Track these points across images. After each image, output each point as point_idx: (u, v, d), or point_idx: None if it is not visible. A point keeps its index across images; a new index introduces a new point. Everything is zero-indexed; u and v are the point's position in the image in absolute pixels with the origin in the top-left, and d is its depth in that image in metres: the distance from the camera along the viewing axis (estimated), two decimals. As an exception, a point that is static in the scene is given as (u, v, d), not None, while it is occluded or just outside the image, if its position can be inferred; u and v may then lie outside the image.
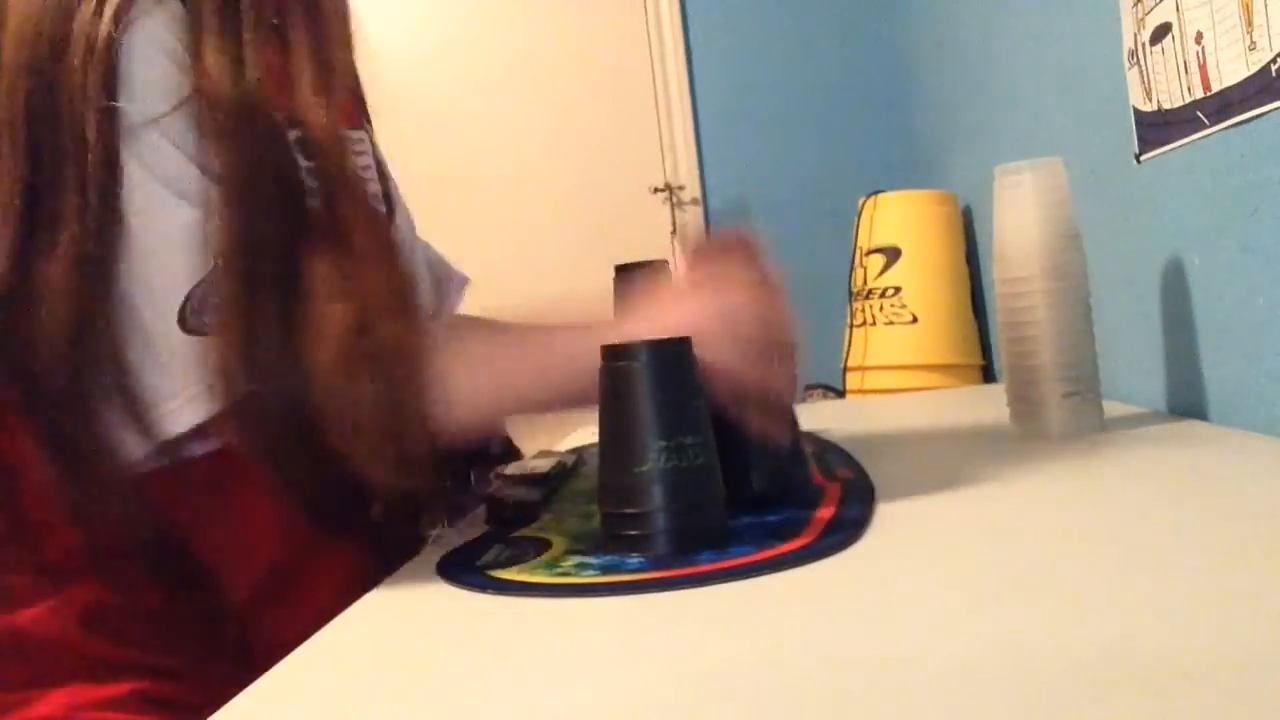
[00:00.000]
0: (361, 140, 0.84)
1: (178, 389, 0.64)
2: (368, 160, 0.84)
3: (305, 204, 0.67)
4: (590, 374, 0.64)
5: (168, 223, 0.64)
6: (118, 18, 0.62)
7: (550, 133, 2.92)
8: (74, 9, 0.62)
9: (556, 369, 0.74)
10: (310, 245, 0.66)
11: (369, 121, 0.90)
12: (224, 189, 0.64)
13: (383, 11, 2.92)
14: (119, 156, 0.62)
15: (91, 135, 0.61)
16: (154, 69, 0.64)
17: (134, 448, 0.64)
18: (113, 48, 0.62)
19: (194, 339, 0.63)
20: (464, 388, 0.70)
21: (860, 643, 0.43)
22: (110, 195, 0.62)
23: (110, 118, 0.62)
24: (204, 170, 0.64)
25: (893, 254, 1.91)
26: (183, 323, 0.63)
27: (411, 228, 0.92)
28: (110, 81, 0.62)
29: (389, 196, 0.85)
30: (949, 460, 0.90)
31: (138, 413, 0.64)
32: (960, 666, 0.39)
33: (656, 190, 2.89)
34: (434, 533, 0.78)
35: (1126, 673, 0.36)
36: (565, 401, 0.76)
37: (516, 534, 0.72)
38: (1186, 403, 0.95)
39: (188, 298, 0.63)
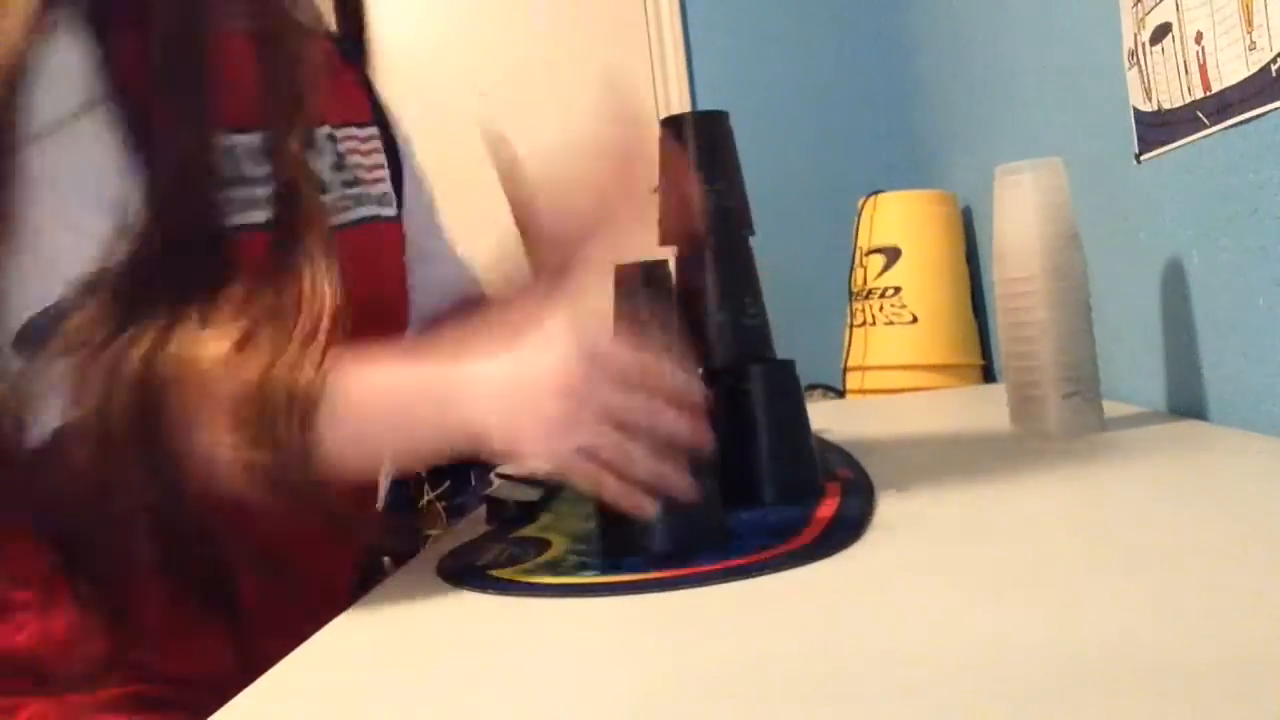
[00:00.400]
0: (370, 138, 0.84)
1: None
2: (378, 159, 0.84)
3: (222, 219, 0.65)
4: (380, 432, 0.58)
5: (55, 234, 0.61)
6: (28, 31, 0.61)
7: (550, 133, 2.92)
8: None
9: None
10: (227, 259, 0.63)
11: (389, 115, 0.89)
12: (141, 194, 0.62)
13: (382, 12, 2.93)
14: (15, 166, 0.60)
15: None
16: (60, 75, 0.62)
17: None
18: (20, 59, 0.61)
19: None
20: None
21: (860, 642, 0.43)
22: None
23: (13, 122, 0.60)
24: (123, 175, 0.62)
25: (893, 254, 1.90)
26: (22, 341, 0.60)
27: (429, 230, 0.91)
28: (15, 93, 0.61)
29: (399, 195, 0.85)
30: (949, 460, 0.90)
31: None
32: (960, 666, 0.39)
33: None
34: (434, 533, 0.78)
35: (1126, 672, 0.36)
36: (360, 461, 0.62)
37: (516, 534, 0.72)
38: (1186, 403, 0.95)
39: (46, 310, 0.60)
